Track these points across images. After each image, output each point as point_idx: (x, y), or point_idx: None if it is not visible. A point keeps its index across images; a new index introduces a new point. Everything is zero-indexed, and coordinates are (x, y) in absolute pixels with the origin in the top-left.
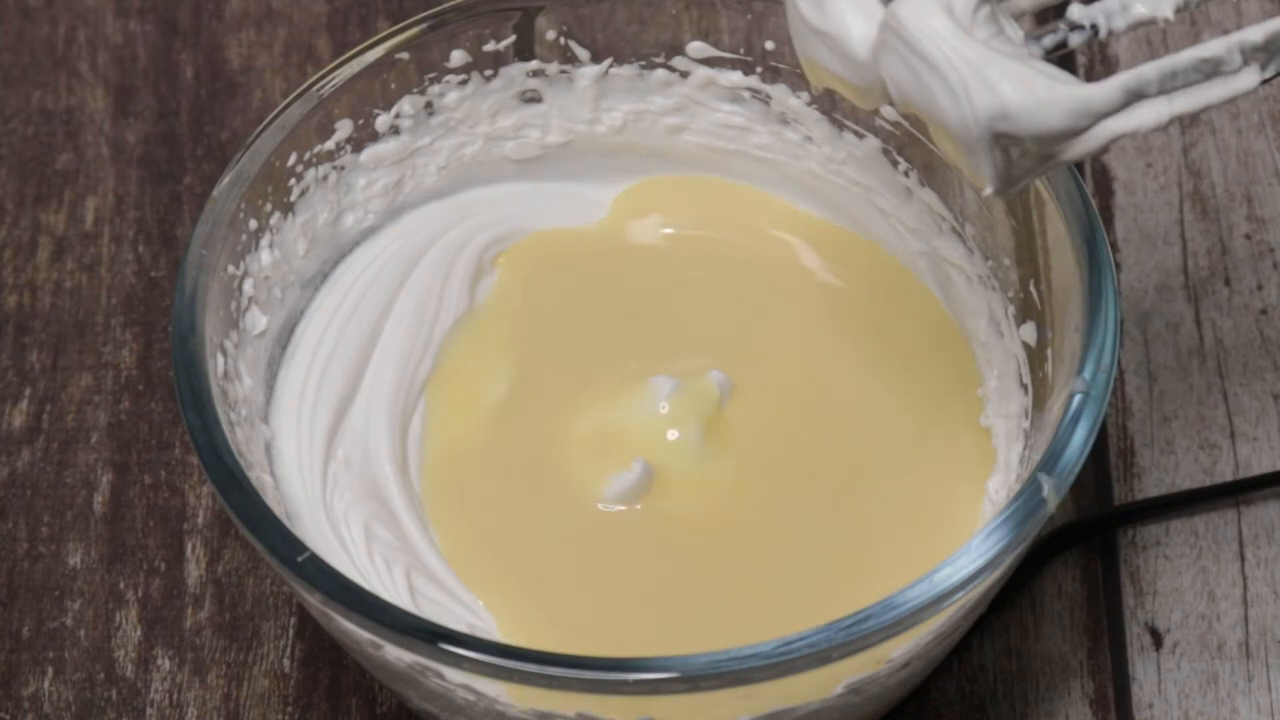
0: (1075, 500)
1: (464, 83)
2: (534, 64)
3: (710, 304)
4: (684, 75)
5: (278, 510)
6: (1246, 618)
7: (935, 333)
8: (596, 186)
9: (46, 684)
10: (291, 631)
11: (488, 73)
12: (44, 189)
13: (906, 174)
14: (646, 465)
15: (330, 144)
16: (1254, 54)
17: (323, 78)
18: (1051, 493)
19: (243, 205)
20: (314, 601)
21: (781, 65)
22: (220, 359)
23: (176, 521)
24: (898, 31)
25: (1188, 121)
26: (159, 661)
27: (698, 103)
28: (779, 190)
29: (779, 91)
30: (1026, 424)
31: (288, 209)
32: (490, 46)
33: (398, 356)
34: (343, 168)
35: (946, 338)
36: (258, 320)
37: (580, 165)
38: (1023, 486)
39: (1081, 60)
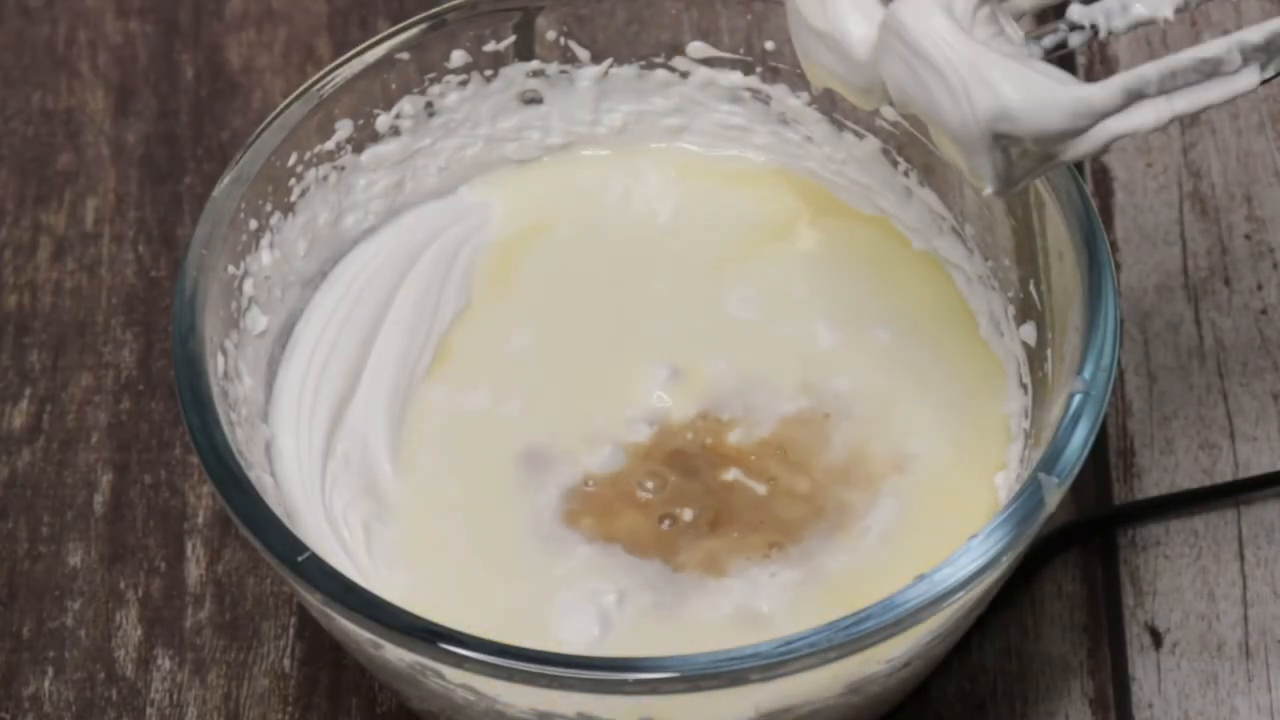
0: (1075, 500)
1: (464, 83)
2: (534, 64)
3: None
4: (684, 76)
5: (278, 510)
6: (1246, 617)
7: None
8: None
9: (47, 683)
10: (292, 631)
11: (488, 73)
12: (44, 189)
13: (906, 174)
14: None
15: (330, 144)
16: (1254, 54)
17: (323, 78)
18: (1051, 493)
19: (243, 205)
20: (314, 601)
21: (781, 65)
22: (220, 359)
23: (177, 521)
24: (898, 32)
25: (1187, 121)
26: (159, 661)
27: (698, 103)
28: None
29: (779, 91)
30: (1026, 424)
31: (288, 209)
32: (490, 47)
33: (396, 355)
34: (343, 168)
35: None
36: (258, 320)
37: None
38: (1022, 486)
39: (1081, 60)
